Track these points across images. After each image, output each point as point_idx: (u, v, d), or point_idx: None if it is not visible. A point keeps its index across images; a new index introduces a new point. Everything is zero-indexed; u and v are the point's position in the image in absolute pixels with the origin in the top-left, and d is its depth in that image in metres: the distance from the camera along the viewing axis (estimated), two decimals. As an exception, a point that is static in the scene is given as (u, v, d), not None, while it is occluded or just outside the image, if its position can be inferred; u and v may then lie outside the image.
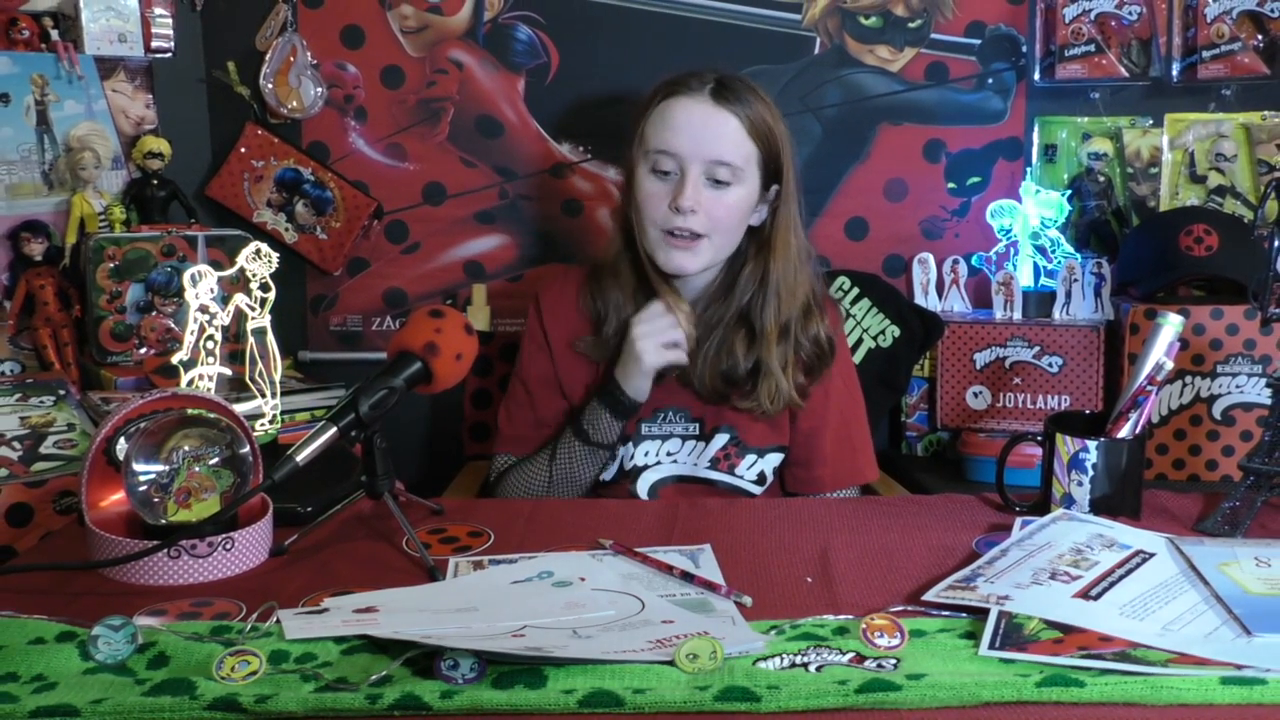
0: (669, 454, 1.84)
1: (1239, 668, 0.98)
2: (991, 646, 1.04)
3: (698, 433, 1.84)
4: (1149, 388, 1.47)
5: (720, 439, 1.82)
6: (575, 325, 1.86)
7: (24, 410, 1.90)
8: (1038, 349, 2.41)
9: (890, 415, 2.57)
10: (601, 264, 1.86)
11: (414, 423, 2.58)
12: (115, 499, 1.37)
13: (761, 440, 1.83)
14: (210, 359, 1.61)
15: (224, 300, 1.63)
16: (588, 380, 1.84)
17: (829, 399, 1.86)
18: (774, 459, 1.85)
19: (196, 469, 1.36)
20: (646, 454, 1.84)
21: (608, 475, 1.83)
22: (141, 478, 1.33)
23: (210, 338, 1.61)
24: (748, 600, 1.19)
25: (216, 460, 1.38)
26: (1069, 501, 1.44)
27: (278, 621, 1.12)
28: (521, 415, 1.88)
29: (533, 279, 2.56)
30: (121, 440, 1.35)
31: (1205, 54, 2.47)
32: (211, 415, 1.38)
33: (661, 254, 1.75)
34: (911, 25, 2.51)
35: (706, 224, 1.72)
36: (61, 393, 1.96)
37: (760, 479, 1.84)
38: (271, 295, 1.64)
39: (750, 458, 1.83)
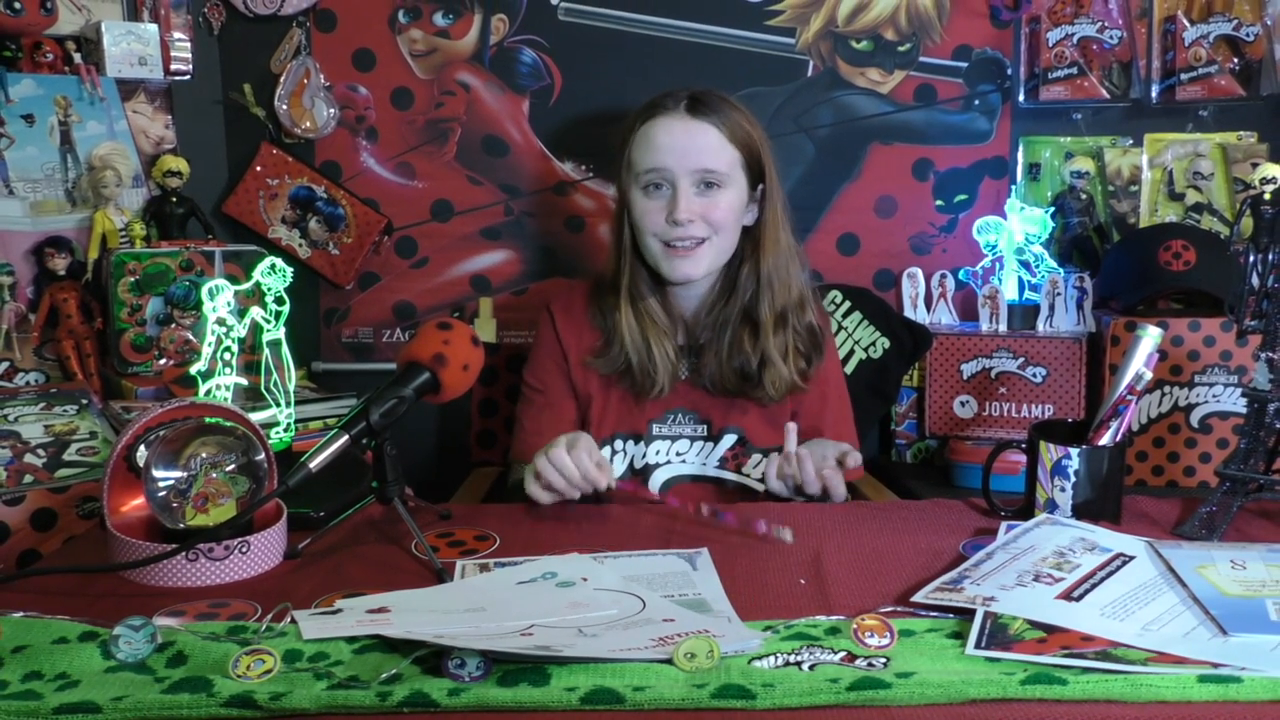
0: (678, 454, 1.86)
1: (1215, 666, 0.98)
2: (978, 646, 1.04)
3: (706, 434, 1.86)
4: (1129, 397, 1.47)
5: (728, 439, 1.85)
6: (587, 336, 1.88)
7: (48, 419, 1.90)
8: (1022, 360, 2.41)
9: (881, 424, 2.57)
10: (603, 281, 1.89)
11: (422, 431, 2.59)
12: (135, 504, 1.37)
13: (767, 440, 1.84)
14: (227, 369, 1.62)
15: (240, 313, 1.64)
16: (598, 391, 1.86)
17: (827, 399, 1.89)
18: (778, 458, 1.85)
19: (214, 475, 1.37)
20: (658, 453, 1.85)
21: (617, 472, 1.83)
22: (161, 484, 1.34)
23: (227, 349, 1.62)
24: (788, 535, 1.19)
25: (233, 467, 1.38)
26: (1052, 506, 1.45)
27: (292, 622, 1.12)
28: (545, 419, 1.87)
29: (537, 292, 2.56)
30: (141, 448, 1.35)
31: (1183, 76, 2.47)
32: (228, 423, 1.39)
33: (666, 265, 1.79)
34: (901, 49, 2.52)
35: (705, 229, 1.76)
36: (84, 402, 1.97)
37: (765, 477, 1.84)
38: (286, 308, 1.65)
39: (756, 457, 1.85)
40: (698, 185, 1.76)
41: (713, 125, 1.77)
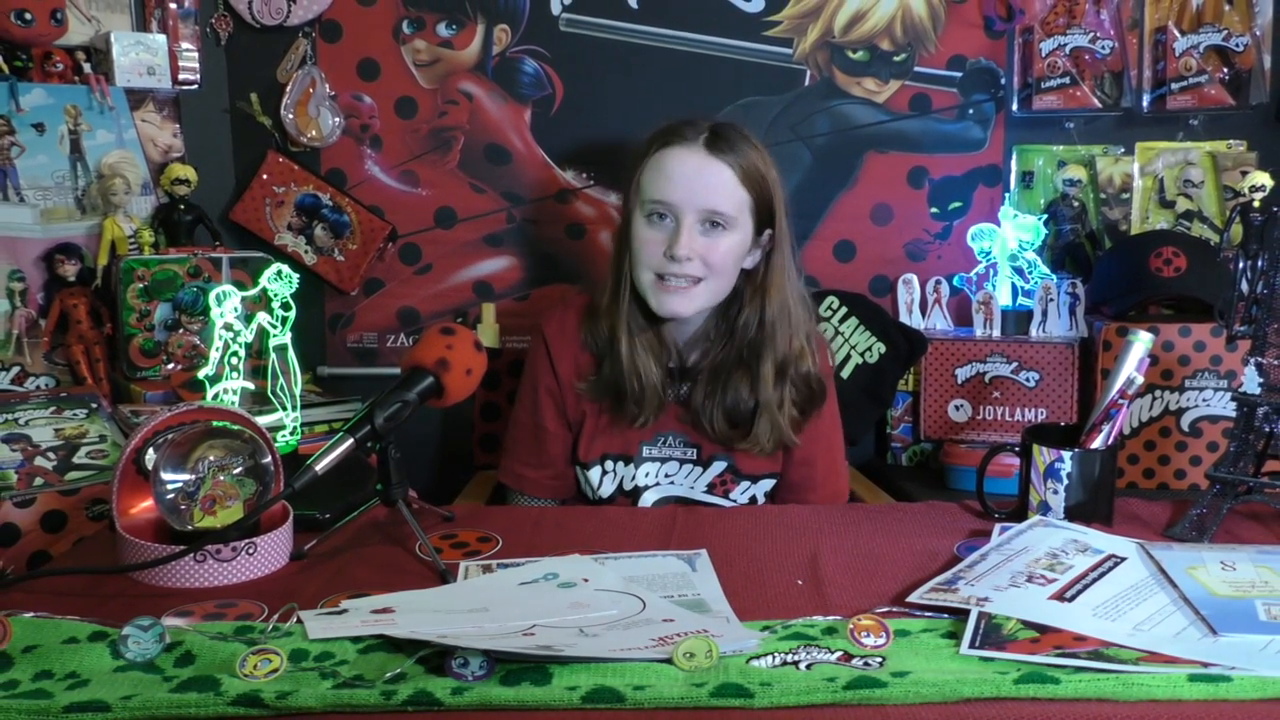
0: (667, 476, 1.81)
1: (1205, 666, 0.99)
2: (972, 645, 1.04)
3: (695, 457, 1.81)
4: (1121, 401, 1.47)
5: (717, 466, 1.80)
6: (580, 360, 1.81)
7: (58, 422, 1.91)
8: (1016, 364, 2.42)
9: (876, 427, 2.57)
10: (598, 302, 1.81)
11: (426, 434, 2.59)
12: (144, 506, 1.37)
13: (756, 468, 1.81)
14: (234, 374, 1.63)
15: (247, 318, 1.64)
16: (590, 411, 1.81)
17: (820, 432, 1.84)
18: (766, 484, 1.83)
19: (221, 478, 1.37)
20: (647, 475, 1.81)
21: (607, 492, 1.82)
22: (169, 486, 1.34)
23: (234, 354, 1.62)
24: None
25: (240, 469, 1.38)
26: (1045, 509, 1.45)
27: (298, 622, 1.12)
28: (536, 452, 1.84)
29: (539, 298, 2.57)
30: (150, 451, 1.35)
31: (1174, 86, 2.48)
32: (235, 427, 1.39)
33: (655, 298, 1.72)
34: (896, 59, 2.53)
35: (702, 269, 1.69)
36: (94, 406, 1.97)
37: (752, 502, 1.83)
38: (292, 314, 1.66)
39: (744, 484, 1.81)
40: (703, 224, 1.68)
41: (728, 165, 1.68)
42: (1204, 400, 2.28)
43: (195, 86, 2.43)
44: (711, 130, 1.71)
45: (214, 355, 1.62)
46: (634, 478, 1.81)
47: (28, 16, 2.17)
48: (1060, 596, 1.15)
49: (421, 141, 2.53)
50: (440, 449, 2.60)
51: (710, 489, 1.82)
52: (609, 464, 1.81)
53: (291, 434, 1.71)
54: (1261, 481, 1.43)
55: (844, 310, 2.43)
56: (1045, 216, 2.52)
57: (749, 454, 1.80)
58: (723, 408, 1.76)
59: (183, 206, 2.33)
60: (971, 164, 2.57)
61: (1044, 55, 2.48)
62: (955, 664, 1.02)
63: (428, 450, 2.59)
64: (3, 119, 2.18)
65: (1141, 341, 1.48)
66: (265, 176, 2.50)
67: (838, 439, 1.91)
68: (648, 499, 1.82)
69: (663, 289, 1.71)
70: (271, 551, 1.31)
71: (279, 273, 1.64)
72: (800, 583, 1.27)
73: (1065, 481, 1.43)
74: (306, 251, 2.53)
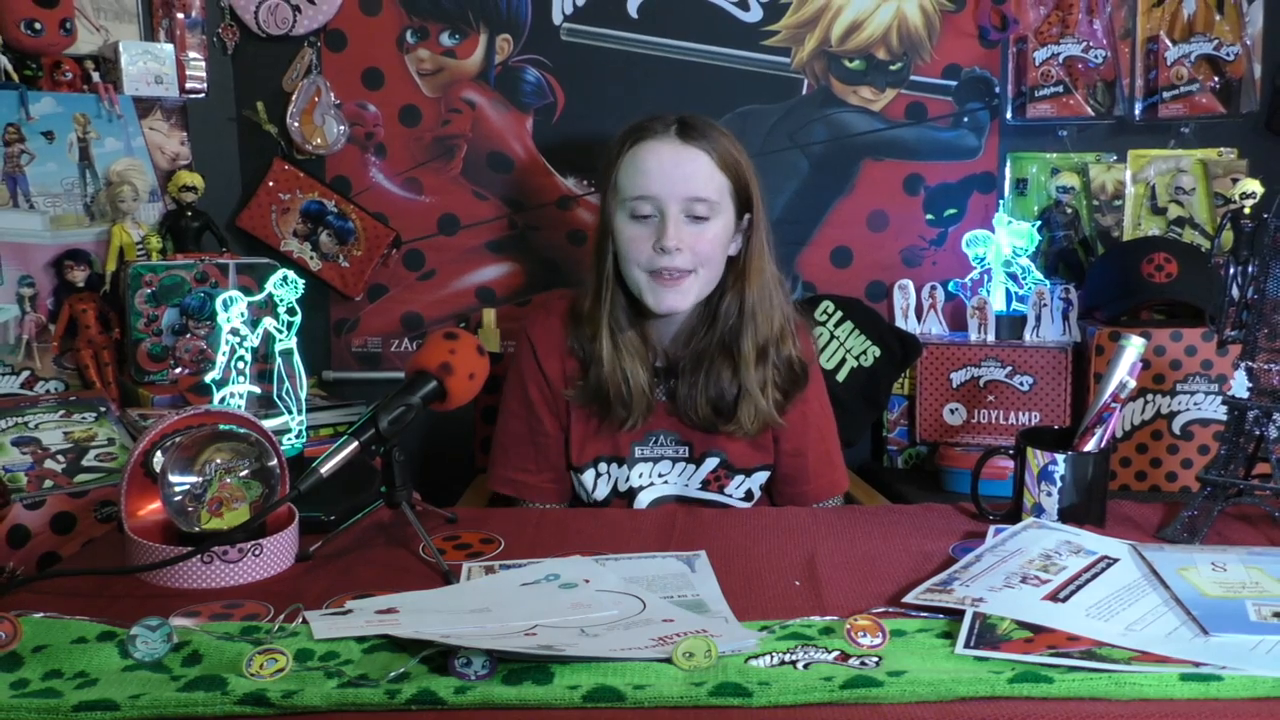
0: (660, 475, 1.80)
1: (1196, 665, 0.99)
2: (967, 645, 1.05)
3: (688, 455, 1.80)
4: (1113, 405, 1.47)
5: (711, 462, 1.79)
6: (566, 365, 1.79)
7: (67, 426, 1.91)
8: (1010, 369, 2.42)
9: (872, 430, 2.58)
10: (579, 309, 1.77)
11: (428, 437, 2.59)
12: (152, 508, 1.37)
13: (748, 461, 1.80)
14: (240, 378, 1.62)
15: (253, 323, 1.64)
16: (579, 415, 1.79)
17: (808, 421, 1.82)
18: (760, 477, 1.82)
19: (227, 480, 1.37)
20: (641, 475, 1.80)
21: (602, 495, 1.80)
22: (176, 488, 1.34)
23: (240, 358, 1.62)
24: None
25: (246, 472, 1.38)
26: (1039, 510, 1.45)
27: (304, 622, 1.13)
28: (534, 456, 1.81)
29: (539, 304, 2.56)
30: (158, 453, 1.35)
31: (1165, 94, 2.48)
32: (241, 430, 1.39)
33: (651, 296, 1.68)
34: (892, 68, 2.53)
35: (692, 260, 1.66)
36: (102, 409, 1.97)
37: (748, 496, 1.82)
38: (297, 319, 1.65)
39: (739, 478, 1.80)
40: (687, 214, 1.65)
41: (704, 151, 1.66)
42: (1195, 404, 2.28)
43: (202, 95, 2.43)
44: (680, 121, 1.69)
45: (220, 359, 1.62)
46: (628, 479, 1.80)
47: (37, 26, 2.17)
48: (1054, 597, 1.15)
49: (425, 149, 2.53)
50: (442, 452, 2.60)
51: (705, 485, 1.81)
52: (602, 466, 1.80)
53: (297, 437, 1.70)
54: (1251, 484, 1.43)
55: (839, 314, 2.43)
56: (1039, 223, 2.52)
57: (739, 445, 1.78)
58: (706, 395, 1.73)
59: (190, 213, 2.34)
60: (966, 171, 2.57)
61: (1038, 64, 2.49)
62: (950, 663, 1.02)
63: (430, 453, 2.59)
64: (13, 127, 2.18)
65: (1134, 346, 1.48)
66: (271, 184, 2.50)
67: (830, 429, 1.88)
68: (643, 499, 1.80)
69: (659, 284, 1.68)
70: (277, 553, 1.32)
71: (285, 278, 1.64)
72: (798, 583, 1.27)
73: (1059, 484, 1.43)
74: (312, 257, 2.53)
